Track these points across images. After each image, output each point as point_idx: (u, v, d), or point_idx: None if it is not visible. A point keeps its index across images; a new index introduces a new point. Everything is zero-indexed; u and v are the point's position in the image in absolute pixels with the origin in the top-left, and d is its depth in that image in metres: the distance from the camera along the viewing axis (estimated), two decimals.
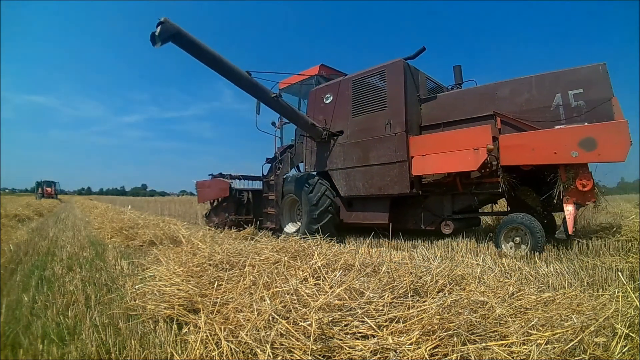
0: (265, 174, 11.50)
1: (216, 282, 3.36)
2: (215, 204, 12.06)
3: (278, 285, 2.98)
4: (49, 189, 53.22)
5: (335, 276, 3.06)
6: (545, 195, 6.78)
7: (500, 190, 6.97)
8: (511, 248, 6.54)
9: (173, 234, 7.51)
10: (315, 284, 2.92)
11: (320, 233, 7.39)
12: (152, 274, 3.97)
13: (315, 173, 9.53)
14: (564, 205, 6.35)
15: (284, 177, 10.36)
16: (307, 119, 9.30)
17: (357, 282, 2.95)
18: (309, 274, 3.18)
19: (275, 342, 2.25)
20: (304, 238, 5.53)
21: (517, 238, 6.55)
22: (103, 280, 4.52)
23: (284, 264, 3.60)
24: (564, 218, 6.34)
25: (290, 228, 9.53)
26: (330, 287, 2.75)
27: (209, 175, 12.11)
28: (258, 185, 12.05)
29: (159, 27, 6.59)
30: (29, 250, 6.70)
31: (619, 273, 4.09)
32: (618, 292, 3.06)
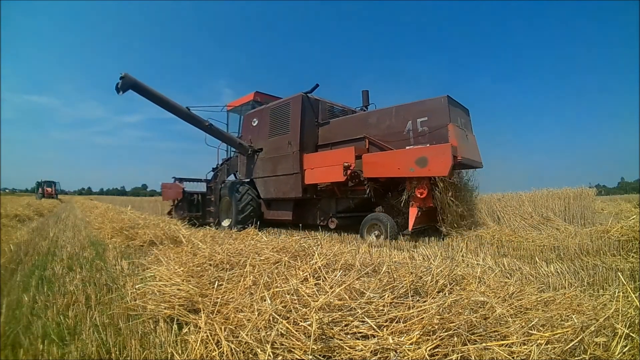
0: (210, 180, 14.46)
1: (216, 282, 3.36)
2: (175, 203, 14.67)
3: (278, 285, 2.98)
4: (49, 189, 53.26)
5: (335, 276, 3.05)
6: (397, 199, 8.93)
7: (366, 195, 9.19)
8: (373, 238, 8.43)
9: (173, 234, 7.54)
10: (315, 284, 2.92)
11: (245, 226, 10.57)
12: (152, 274, 3.96)
13: (247, 180, 12.01)
14: (410, 208, 8.30)
15: (222, 183, 13.25)
16: (235, 139, 12.25)
17: (357, 282, 2.95)
18: (310, 274, 3.18)
19: (275, 342, 2.25)
20: (236, 229, 9.55)
21: (376, 231, 8.57)
22: (103, 280, 4.52)
23: (285, 264, 3.60)
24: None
25: (225, 223, 12.06)
26: (331, 287, 2.75)
27: (172, 177, 14.82)
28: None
29: (120, 81, 9.18)
30: (29, 250, 6.70)
31: (619, 273, 4.11)
32: (618, 292, 3.06)
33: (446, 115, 7.94)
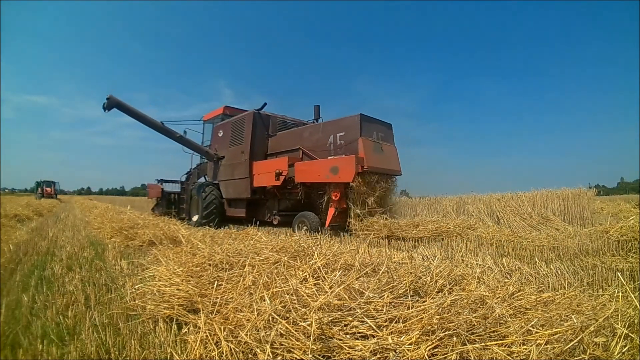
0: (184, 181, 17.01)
1: (216, 282, 3.37)
2: (156, 201, 17.52)
3: (278, 285, 2.97)
4: (48, 189, 53.09)
5: (335, 276, 3.05)
6: (322, 200, 10.36)
7: (299, 197, 10.98)
8: (302, 231, 9.69)
9: (173, 234, 7.56)
10: (315, 284, 2.92)
11: (209, 221, 12.51)
12: (151, 274, 3.96)
13: (213, 182, 13.96)
14: (329, 208, 9.80)
15: (192, 184, 15.42)
16: (203, 148, 14.58)
17: (356, 282, 2.95)
18: (309, 274, 3.18)
19: (275, 342, 2.25)
20: (202, 225, 12.20)
21: (305, 226, 10.03)
22: (103, 280, 4.52)
23: (284, 264, 3.60)
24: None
25: (194, 218, 13.86)
26: (330, 287, 2.75)
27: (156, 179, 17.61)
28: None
29: (106, 101, 11.50)
30: (28, 250, 6.69)
31: (619, 273, 4.11)
32: (618, 292, 3.07)
33: (358, 131, 9.59)
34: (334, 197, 9.66)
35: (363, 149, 9.32)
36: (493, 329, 2.35)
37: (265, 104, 12.64)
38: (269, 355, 2.16)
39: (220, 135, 14.11)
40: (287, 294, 2.72)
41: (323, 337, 2.24)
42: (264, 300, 2.68)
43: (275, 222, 11.77)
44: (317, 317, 2.29)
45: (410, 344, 2.15)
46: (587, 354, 2.14)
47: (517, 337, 2.22)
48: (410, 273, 3.18)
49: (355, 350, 2.15)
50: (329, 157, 9.99)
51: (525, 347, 2.15)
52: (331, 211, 9.71)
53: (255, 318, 2.48)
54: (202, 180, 15.65)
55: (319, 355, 2.16)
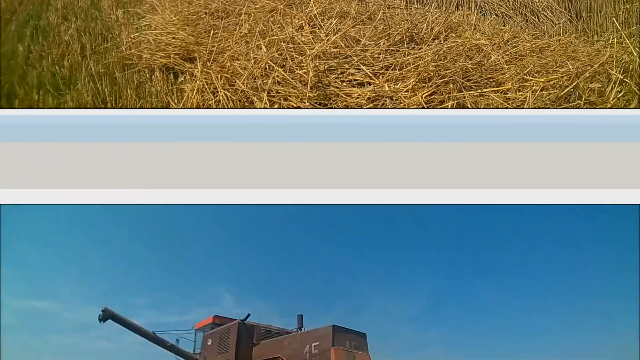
0: None
1: (212, 31, 3.29)
2: None
3: (274, 33, 2.90)
4: None
5: (331, 24, 2.96)
6: None
7: None
8: None
9: None
10: (311, 32, 2.84)
11: None
12: (147, 23, 3.87)
13: None
14: None
15: None
16: (193, 356, 12.61)
17: (353, 29, 2.87)
18: (305, 22, 3.08)
19: (271, 90, 2.26)
20: None
21: None
22: (98, 30, 4.42)
23: (280, 12, 3.47)
24: None
25: None
26: (327, 35, 2.68)
27: None
28: None
29: (102, 313, 9.79)
30: (23, 0, 6.46)
31: (614, 19, 3.97)
32: (613, 38, 2.99)
33: (330, 341, 8.76)
34: None
35: (335, 359, 9.24)
36: (489, 76, 2.34)
37: (249, 314, 11.87)
38: (265, 103, 2.19)
39: (209, 343, 13.44)
40: (284, 42, 2.66)
41: (320, 84, 2.24)
42: (261, 49, 2.64)
43: None
44: (313, 65, 2.27)
45: (407, 91, 2.16)
46: (583, 99, 2.17)
47: (513, 84, 2.22)
48: (406, 20, 3.08)
49: (352, 98, 2.17)
50: None
51: (521, 93, 2.16)
52: None
53: (252, 66, 2.46)
54: None
55: (316, 102, 2.19)
